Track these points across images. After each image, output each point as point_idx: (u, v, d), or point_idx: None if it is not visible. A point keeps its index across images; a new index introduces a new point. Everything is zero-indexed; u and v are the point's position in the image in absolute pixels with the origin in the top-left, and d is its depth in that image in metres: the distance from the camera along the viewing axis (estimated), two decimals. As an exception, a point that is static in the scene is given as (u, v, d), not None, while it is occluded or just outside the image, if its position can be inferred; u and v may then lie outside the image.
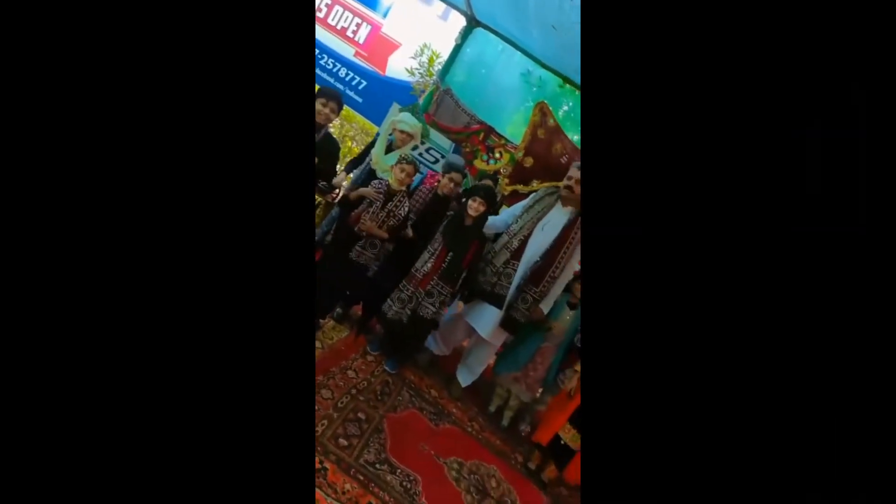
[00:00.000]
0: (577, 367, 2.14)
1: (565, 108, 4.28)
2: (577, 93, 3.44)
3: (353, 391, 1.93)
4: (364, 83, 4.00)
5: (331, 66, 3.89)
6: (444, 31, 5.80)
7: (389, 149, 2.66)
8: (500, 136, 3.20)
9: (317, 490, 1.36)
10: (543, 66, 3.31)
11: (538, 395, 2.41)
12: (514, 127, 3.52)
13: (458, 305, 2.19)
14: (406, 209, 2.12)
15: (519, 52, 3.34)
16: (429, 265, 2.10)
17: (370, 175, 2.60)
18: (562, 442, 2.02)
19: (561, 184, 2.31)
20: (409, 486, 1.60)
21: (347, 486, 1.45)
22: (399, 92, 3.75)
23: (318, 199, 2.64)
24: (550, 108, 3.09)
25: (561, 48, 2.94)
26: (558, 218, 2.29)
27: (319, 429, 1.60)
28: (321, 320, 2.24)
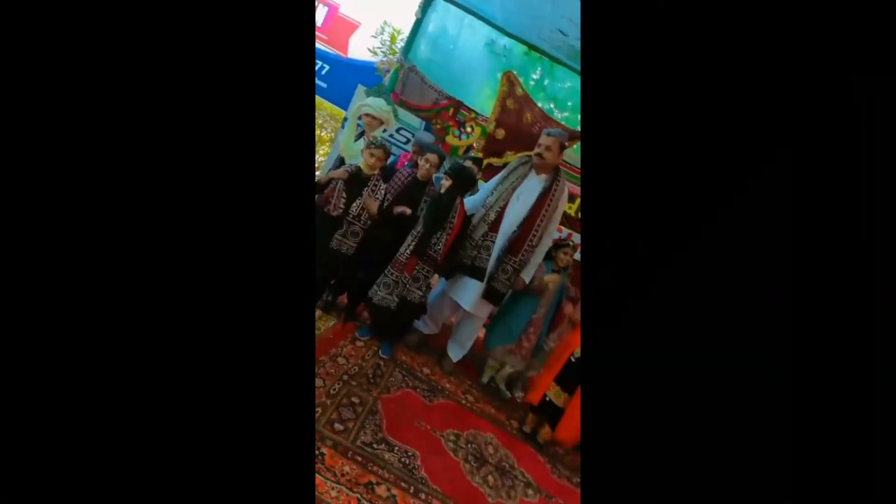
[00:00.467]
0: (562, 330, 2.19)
1: (535, 75, 4.24)
2: (544, 59, 3.40)
3: (345, 377, 1.94)
4: (327, 67, 3.89)
5: (290, 52, 3.76)
6: (404, 6, 5.63)
7: (361, 135, 2.61)
8: (470, 110, 3.16)
9: (316, 476, 1.38)
10: (507, 34, 3.26)
11: (530, 362, 2.46)
12: (484, 99, 3.48)
13: (434, 279, 2.20)
14: (383, 192, 2.10)
15: (481, 22, 3.28)
16: (411, 248, 2.09)
17: (342, 162, 2.55)
18: (547, 399, 2.10)
19: (532, 153, 2.30)
20: (407, 461, 1.64)
21: (346, 469, 1.47)
22: (363, 73, 3.66)
23: None
24: (518, 77, 3.06)
25: (523, 14, 2.89)
26: (533, 186, 2.29)
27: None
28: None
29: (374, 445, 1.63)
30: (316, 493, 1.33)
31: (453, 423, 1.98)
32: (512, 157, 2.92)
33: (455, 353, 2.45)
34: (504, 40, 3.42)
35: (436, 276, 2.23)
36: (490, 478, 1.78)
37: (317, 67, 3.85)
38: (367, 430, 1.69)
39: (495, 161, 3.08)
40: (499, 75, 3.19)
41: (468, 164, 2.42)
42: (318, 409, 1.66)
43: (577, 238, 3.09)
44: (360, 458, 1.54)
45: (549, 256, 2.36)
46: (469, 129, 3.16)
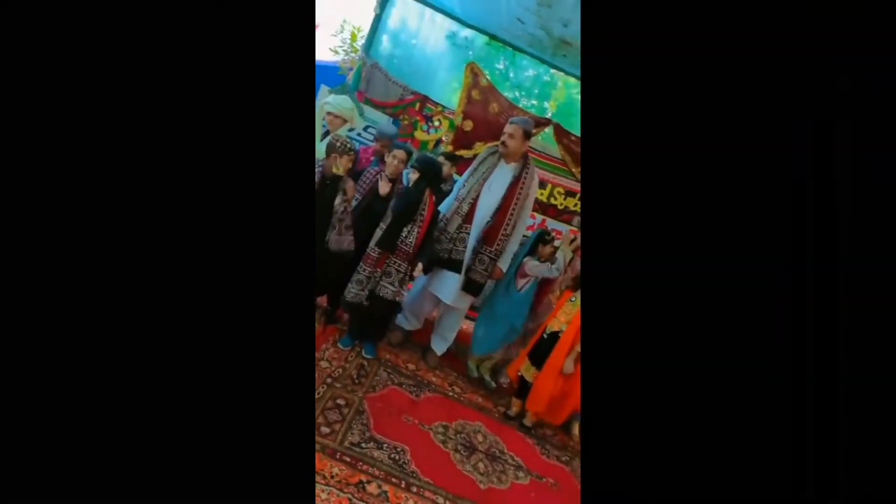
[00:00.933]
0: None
1: (499, 65, 4.26)
2: (506, 48, 3.42)
3: (329, 380, 1.94)
4: (288, 69, 3.81)
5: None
6: (361, 2, 5.56)
7: (326, 134, 2.58)
8: (437, 104, 3.16)
9: (305, 479, 1.38)
10: (467, 25, 3.25)
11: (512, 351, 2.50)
12: (451, 92, 3.48)
13: (418, 269, 2.20)
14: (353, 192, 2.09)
15: (441, 15, 3.26)
16: (376, 241, 2.08)
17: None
18: (519, 374, 2.18)
19: (499, 142, 2.32)
20: (397, 457, 1.65)
21: (335, 470, 1.47)
22: (326, 73, 3.60)
23: None
24: (481, 68, 3.07)
25: (480, 5, 2.90)
26: (503, 175, 2.31)
27: (299, 422, 1.60)
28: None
29: (363, 445, 1.64)
30: (306, 497, 1.33)
31: (441, 416, 2.00)
32: (482, 149, 2.93)
33: (439, 346, 2.47)
34: (465, 32, 3.43)
35: (419, 266, 2.24)
36: (480, 465, 1.81)
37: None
38: (355, 431, 1.69)
39: (465, 153, 3.09)
40: (462, 66, 3.19)
41: (440, 158, 2.43)
42: (304, 414, 1.66)
43: (550, 224, 3.14)
44: (348, 459, 1.54)
45: (532, 250, 2.37)
46: (437, 123, 3.16)
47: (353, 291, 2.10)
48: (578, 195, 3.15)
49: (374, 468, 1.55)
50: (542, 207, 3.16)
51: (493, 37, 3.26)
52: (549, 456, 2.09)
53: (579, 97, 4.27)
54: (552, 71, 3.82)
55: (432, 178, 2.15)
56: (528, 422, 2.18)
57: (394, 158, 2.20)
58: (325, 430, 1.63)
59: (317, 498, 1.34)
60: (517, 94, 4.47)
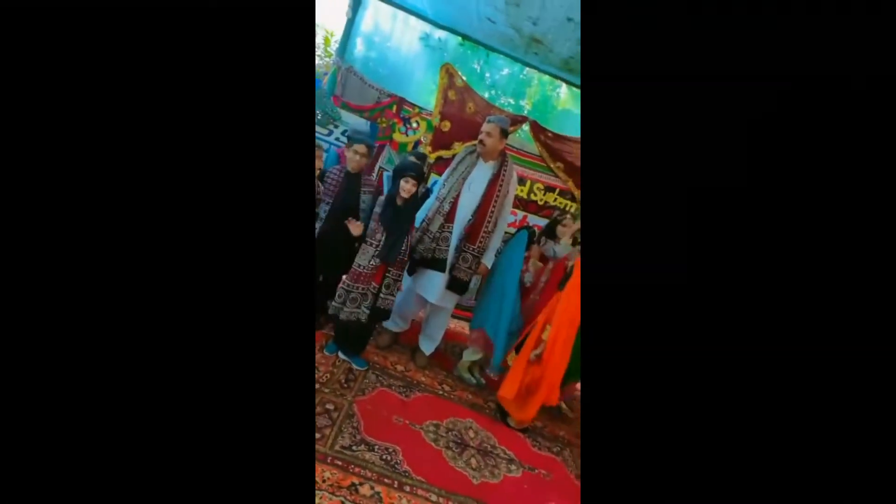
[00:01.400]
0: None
1: (476, 65, 4.30)
2: (479, 48, 3.45)
3: (317, 385, 1.93)
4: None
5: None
6: (333, 6, 5.54)
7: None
8: (414, 105, 3.17)
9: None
10: (439, 26, 3.28)
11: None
12: (428, 93, 3.50)
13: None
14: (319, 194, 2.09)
15: (413, 17, 3.28)
16: (377, 259, 2.06)
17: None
18: (507, 365, 2.21)
19: (476, 141, 2.34)
20: (388, 457, 1.65)
21: (327, 475, 1.47)
22: (301, 79, 3.59)
23: None
24: (456, 69, 3.09)
25: (450, 6, 2.92)
26: (482, 174, 2.34)
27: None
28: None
29: (354, 448, 1.63)
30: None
31: (432, 415, 2.01)
32: (460, 148, 2.95)
33: (427, 346, 2.48)
34: (439, 33, 3.45)
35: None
36: (473, 460, 1.82)
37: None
38: (345, 434, 1.69)
39: (445, 153, 3.11)
40: (437, 67, 3.21)
41: (412, 158, 2.43)
42: (293, 421, 1.65)
43: (531, 220, 3.18)
44: (339, 463, 1.54)
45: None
46: (415, 125, 3.16)
47: (347, 310, 2.07)
48: (558, 190, 3.19)
49: (366, 470, 1.55)
50: (523, 204, 3.19)
51: (465, 37, 3.29)
52: (540, 448, 2.11)
53: (553, 94, 4.33)
54: (526, 69, 3.87)
55: (417, 181, 2.13)
56: (512, 423, 2.19)
57: (355, 153, 2.18)
58: (315, 435, 1.63)
59: (309, 503, 1.33)
60: (493, 93, 4.51)
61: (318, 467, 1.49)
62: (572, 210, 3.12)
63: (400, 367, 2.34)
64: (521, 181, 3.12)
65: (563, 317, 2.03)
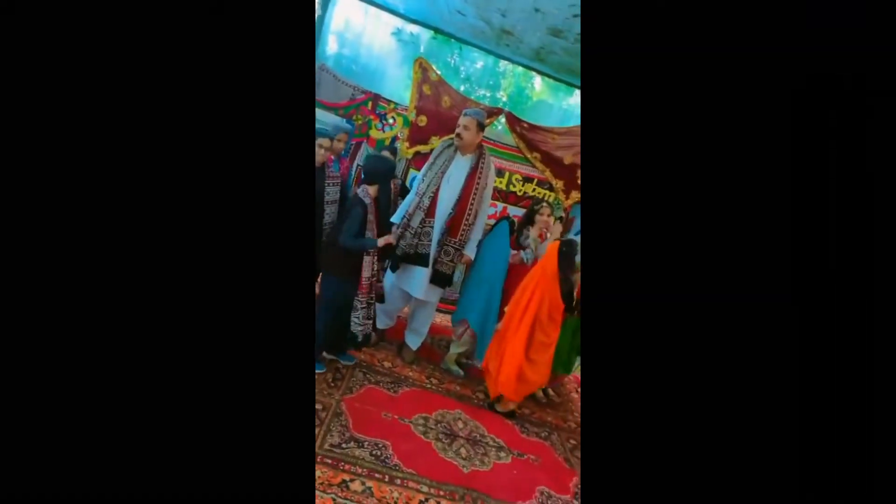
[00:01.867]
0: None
1: (451, 59, 4.28)
2: (452, 41, 3.45)
3: (304, 386, 1.92)
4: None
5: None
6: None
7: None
8: (389, 101, 3.15)
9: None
10: (411, 20, 3.26)
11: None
12: (403, 89, 3.49)
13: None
14: None
15: (384, 12, 3.25)
16: (375, 266, 2.07)
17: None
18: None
19: (454, 135, 2.35)
20: (379, 453, 1.67)
21: (317, 473, 1.48)
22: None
23: None
24: (430, 63, 3.09)
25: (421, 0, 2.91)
26: (460, 167, 2.35)
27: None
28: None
29: (343, 445, 1.64)
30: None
31: (420, 408, 2.03)
32: (438, 143, 2.95)
33: (413, 341, 2.49)
34: (411, 27, 3.43)
35: (386, 264, 2.25)
36: (462, 450, 1.85)
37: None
38: (335, 433, 1.70)
39: (422, 148, 3.11)
40: (411, 62, 3.20)
41: (385, 153, 2.41)
42: (280, 423, 1.65)
43: (511, 210, 3.21)
44: (329, 461, 1.55)
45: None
46: (391, 121, 3.15)
47: (360, 324, 2.05)
48: (536, 181, 3.23)
49: (356, 466, 1.56)
50: (503, 195, 3.22)
51: (437, 30, 3.28)
52: (528, 434, 2.15)
53: (528, 85, 4.36)
54: (501, 62, 3.88)
55: (386, 176, 2.12)
56: (500, 408, 2.23)
57: (319, 147, 2.13)
58: (315, 434, 1.63)
59: (300, 503, 1.34)
60: (469, 86, 4.52)
61: (308, 467, 1.49)
62: (550, 199, 3.16)
63: (387, 364, 2.36)
64: (500, 173, 3.14)
65: (522, 293, 2.16)
